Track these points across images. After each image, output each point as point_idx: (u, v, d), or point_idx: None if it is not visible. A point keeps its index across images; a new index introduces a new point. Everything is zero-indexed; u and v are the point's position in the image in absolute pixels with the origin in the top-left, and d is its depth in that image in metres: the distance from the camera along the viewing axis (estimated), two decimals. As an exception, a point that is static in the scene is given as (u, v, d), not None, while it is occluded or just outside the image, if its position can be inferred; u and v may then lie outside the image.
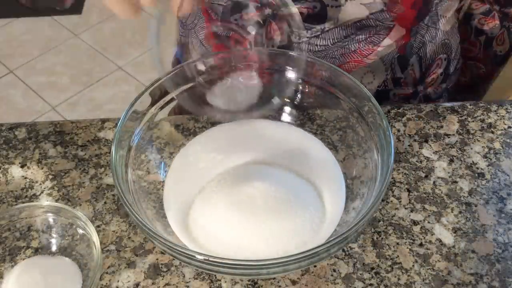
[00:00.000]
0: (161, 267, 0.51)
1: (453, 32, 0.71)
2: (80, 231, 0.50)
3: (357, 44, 0.64)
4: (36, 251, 0.51)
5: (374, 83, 0.68)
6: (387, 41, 0.64)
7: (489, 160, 0.59)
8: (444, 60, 0.71)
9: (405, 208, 0.55)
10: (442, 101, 0.77)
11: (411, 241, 0.52)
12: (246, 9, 0.60)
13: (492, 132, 0.62)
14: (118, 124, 0.50)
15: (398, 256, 0.51)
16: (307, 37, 0.63)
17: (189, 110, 0.61)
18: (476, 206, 0.55)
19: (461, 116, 0.63)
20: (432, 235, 0.53)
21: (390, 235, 0.53)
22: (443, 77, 0.73)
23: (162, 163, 0.55)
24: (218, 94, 0.56)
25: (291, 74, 0.58)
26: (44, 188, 0.57)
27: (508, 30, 0.71)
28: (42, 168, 0.58)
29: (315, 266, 0.50)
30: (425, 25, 0.66)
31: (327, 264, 0.51)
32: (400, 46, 0.66)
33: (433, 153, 0.60)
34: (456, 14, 0.71)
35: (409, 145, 0.60)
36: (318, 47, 0.63)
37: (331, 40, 0.63)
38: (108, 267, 0.51)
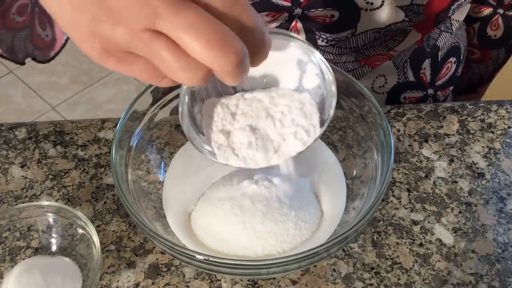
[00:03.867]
0: (161, 267, 0.51)
1: (462, 34, 0.71)
2: (80, 231, 0.50)
3: (371, 49, 0.63)
4: (36, 251, 0.51)
5: (386, 87, 0.68)
6: (401, 46, 0.63)
7: (489, 160, 0.59)
8: (454, 63, 0.71)
9: (405, 208, 0.55)
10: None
11: (411, 241, 0.52)
12: (272, 9, 0.59)
13: (492, 132, 0.62)
14: (118, 124, 0.50)
15: (398, 256, 0.51)
16: (323, 45, 0.62)
17: None
18: (476, 206, 0.55)
19: (461, 116, 0.63)
20: (432, 235, 0.53)
21: (390, 235, 0.53)
22: (452, 79, 0.73)
23: (162, 163, 0.55)
24: None
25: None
26: (44, 188, 0.57)
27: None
28: (42, 168, 0.58)
29: (315, 266, 0.50)
30: (438, 30, 0.65)
31: (327, 264, 0.51)
32: (413, 50, 0.65)
33: (433, 153, 0.60)
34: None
35: (409, 145, 0.60)
36: (333, 56, 0.63)
37: (347, 49, 0.62)
38: (108, 267, 0.51)
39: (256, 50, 0.33)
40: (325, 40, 0.61)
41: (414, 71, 0.67)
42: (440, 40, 0.66)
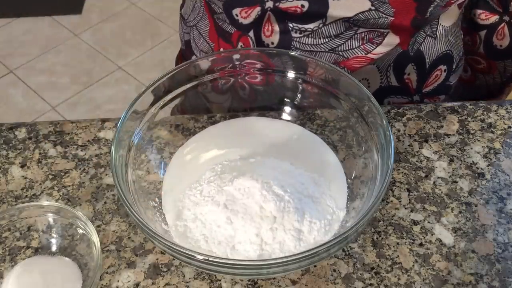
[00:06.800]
0: (161, 267, 0.51)
1: (457, 43, 0.70)
2: (80, 231, 0.50)
3: (349, 51, 0.63)
4: (36, 251, 0.51)
5: (370, 90, 0.67)
6: (380, 49, 0.63)
7: (489, 160, 0.59)
8: (444, 71, 0.70)
9: (405, 208, 0.55)
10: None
11: (411, 241, 0.52)
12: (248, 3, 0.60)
13: (492, 132, 0.62)
14: (118, 124, 0.50)
15: (398, 256, 0.51)
16: (297, 37, 0.62)
17: (190, 109, 0.60)
18: (476, 206, 0.55)
19: (461, 116, 0.63)
20: (432, 235, 0.53)
21: (390, 235, 0.53)
22: (442, 88, 0.72)
23: (162, 163, 0.55)
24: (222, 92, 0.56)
25: (291, 74, 0.58)
26: (44, 188, 0.57)
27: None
28: (42, 168, 0.58)
29: (315, 266, 0.50)
30: (424, 34, 0.65)
31: (327, 264, 0.51)
32: (398, 54, 0.65)
33: (433, 153, 0.60)
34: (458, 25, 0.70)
35: (409, 145, 0.60)
36: (309, 46, 0.63)
37: (321, 40, 0.62)
38: (108, 267, 0.51)
39: None
40: (298, 31, 0.62)
41: (397, 75, 0.67)
42: (424, 45, 0.66)
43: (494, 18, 0.70)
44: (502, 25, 0.69)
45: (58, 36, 1.99)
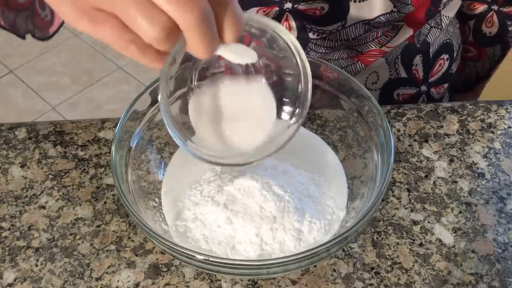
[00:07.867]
0: (161, 267, 0.51)
1: (454, 32, 0.71)
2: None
3: (364, 45, 0.63)
4: (37, 251, 0.51)
5: (379, 83, 0.68)
6: (393, 42, 0.63)
7: (489, 160, 0.59)
8: (447, 60, 0.71)
9: (405, 208, 0.55)
10: (443, 101, 0.77)
11: (411, 241, 0.52)
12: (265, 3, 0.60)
13: (492, 132, 0.62)
14: (118, 124, 0.50)
15: (398, 256, 0.51)
16: (314, 38, 0.62)
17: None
18: (476, 206, 0.55)
19: (461, 116, 0.63)
20: (432, 235, 0.53)
21: (390, 235, 0.53)
22: (446, 77, 0.73)
23: (162, 163, 0.55)
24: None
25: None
26: (44, 188, 0.57)
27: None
28: (42, 168, 0.58)
29: (315, 266, 0.50)
30: (429, 25, 0.66)
31: (327, 264, 0.51)
32: (405, 46, 0.66)
33: (433, 153, 0.60)
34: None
35: (409, 145, 0.60)
36: (325, 49, 0.63)
37: (338, 42, 0.62)
38: (108, 267, 0.51)
39: (226, 22, 0.34)
40: (316, 33, 0.61)
41: (405, 67, 0.68)
42: (430, 36, 0.67)
43: (482, 7, 0.71)
44: (491, 13, 0.70)
45: (58, 36, 1.99)
